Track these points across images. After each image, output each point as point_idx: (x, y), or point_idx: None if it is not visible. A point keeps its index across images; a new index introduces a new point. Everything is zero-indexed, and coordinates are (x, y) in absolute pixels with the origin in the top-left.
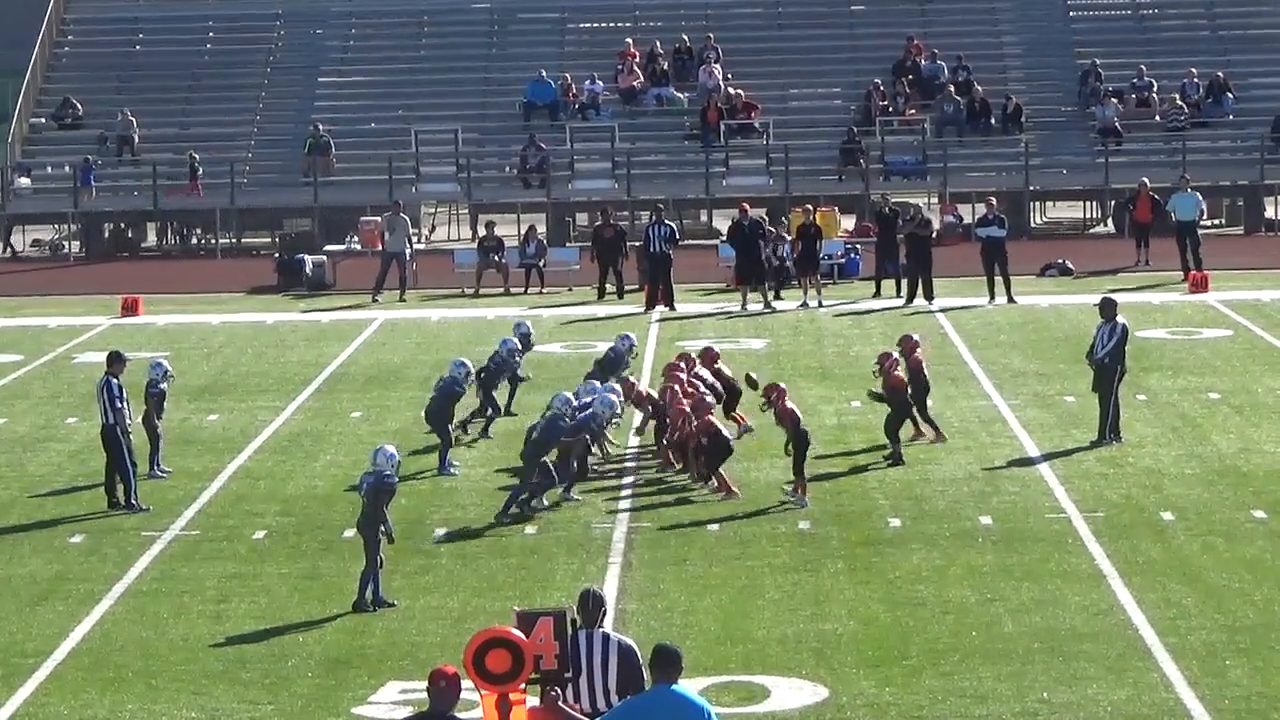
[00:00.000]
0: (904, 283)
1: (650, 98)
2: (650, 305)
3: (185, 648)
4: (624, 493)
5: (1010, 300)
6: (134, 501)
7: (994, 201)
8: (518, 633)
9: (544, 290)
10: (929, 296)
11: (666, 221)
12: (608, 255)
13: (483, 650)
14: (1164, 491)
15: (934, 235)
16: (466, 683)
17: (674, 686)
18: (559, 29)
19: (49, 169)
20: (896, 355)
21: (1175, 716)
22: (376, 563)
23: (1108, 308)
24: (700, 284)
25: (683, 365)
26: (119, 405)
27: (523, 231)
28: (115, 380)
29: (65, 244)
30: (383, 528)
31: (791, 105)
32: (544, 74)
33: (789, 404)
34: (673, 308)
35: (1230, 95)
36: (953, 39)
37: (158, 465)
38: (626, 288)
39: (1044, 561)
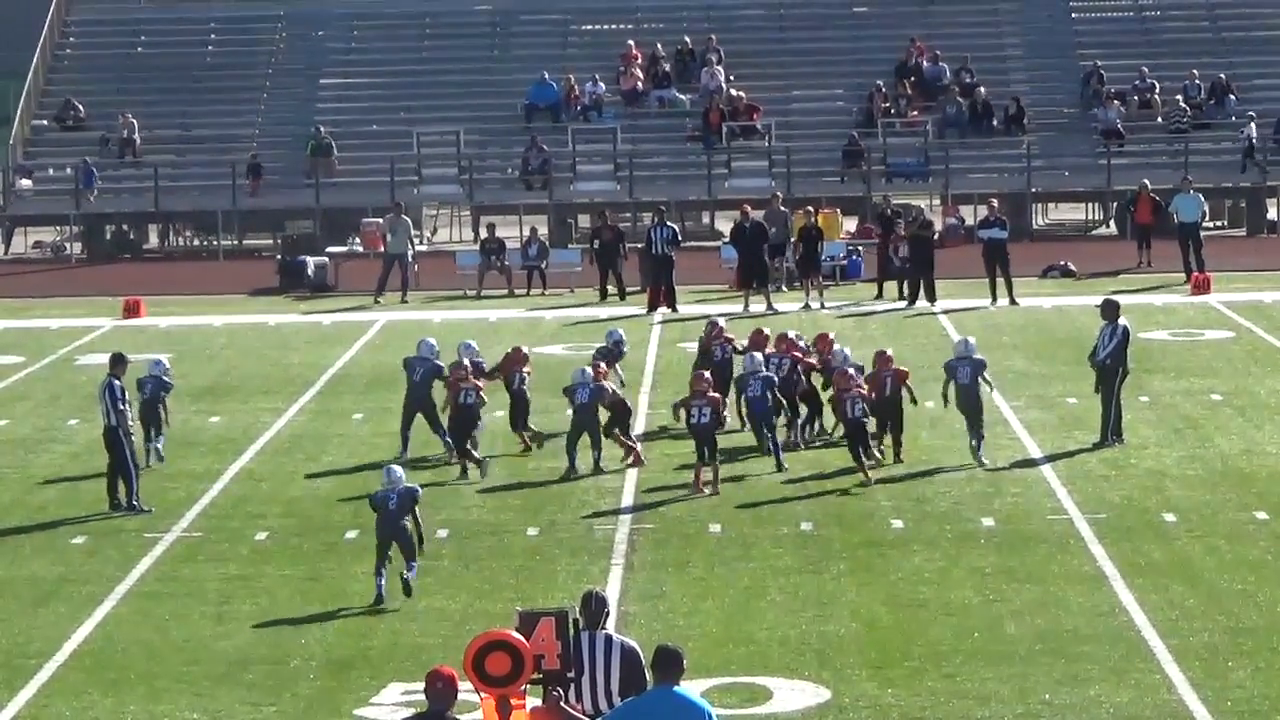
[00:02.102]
0: (906, 284)
1: (652, 99)
2: (652, 307)
3: (187, 649)
4: (626, 494)
5: (1012, 302)
6: (135, 502)
7: (995, 203)
8: (518, 635)
9: (546, 292)
10: (931, 298)
11: (668, 223)
12: (607, 257)
13: (482, 653)
14: (1166, 493)
15: (936, 236)
16: (465, 683)
17: (675, 688)
18: (561, 31)
19: (51, 170)
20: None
21: (1177, 718)
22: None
23: (1109, 309)
24: (702, 285)
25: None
26: (121, 407)
27: (524, 233)
28: (118, 382)
29: (67, 245)
30: (414, 526)
31: (794, 107)
32: (546, 75)
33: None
34: (675, 309)
35: (1232, 97)
36: (955, 40)
37: (158, 451)
38: (628, 289)
39: (1046, 563)
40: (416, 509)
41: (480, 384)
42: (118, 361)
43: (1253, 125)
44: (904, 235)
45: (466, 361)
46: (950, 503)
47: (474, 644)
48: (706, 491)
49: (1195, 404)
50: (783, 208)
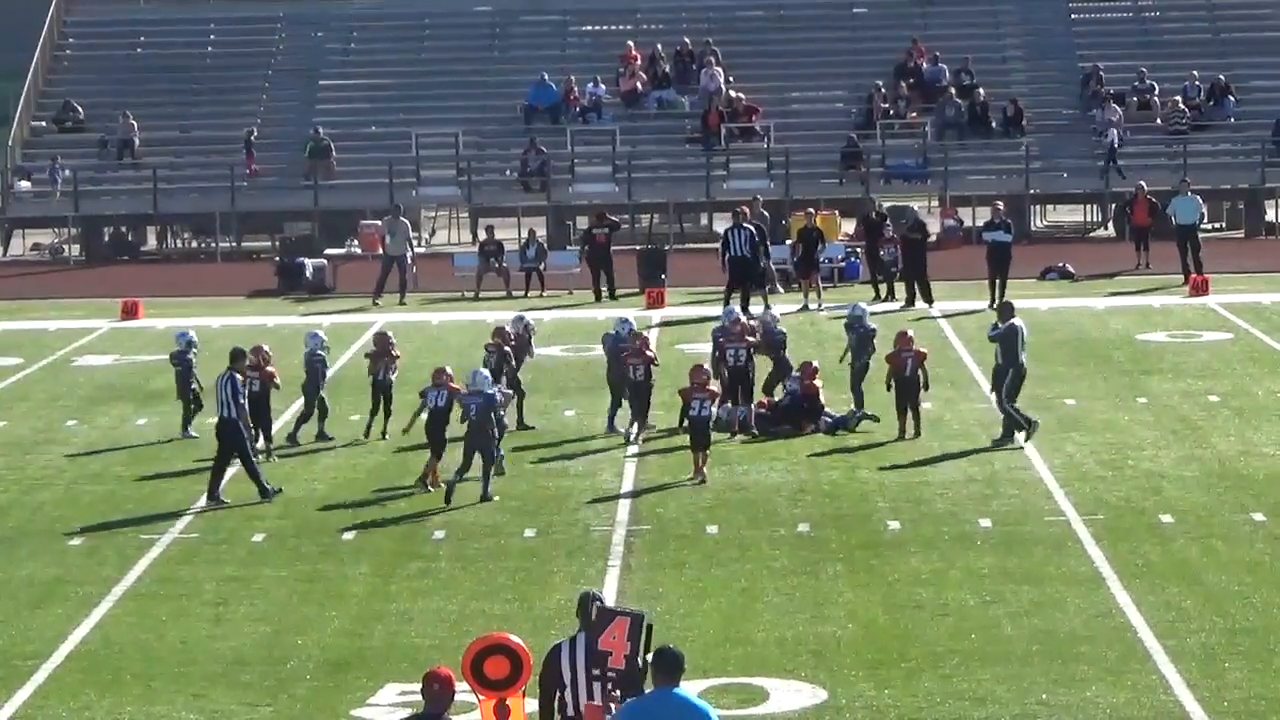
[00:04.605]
0: (899, 286)
1: (651, 101)
2: (651, 305)
3: (184, 650)
4: (623, 495)
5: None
6: (268, 487)
7: (1001, 206)
8: (516, 639)
9: (544, 294)
10: (927, 300)
11: (744, 225)
12: (598, 258)
13: (481, 657)
14: (1163, 494)
15: (928, 239)
16: (462, 683)
17: (676, 690)
18: (560, 32)
19: (49, 172)
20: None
21: (1174, 719)
22: (493, 461)
23: (1005, 311)
24: (701, 286)
25: None
26: (242, 401)
27: (523, 235)
28: (239, 377)
29: (65, 247)
30: (495, 432)
31: (792, 108)
32: (545, 77)
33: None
34: (746, 311)
35: (1231, 98)
36: (954, 42)
37: (189, 428)
38: (621, 291)
39: (1043, 564)
40: (494, 414)
41: (273, 372)
42: (238, 356)
43: (1113, 130)
44: (889, 238)
45: (266, 348)
46: (947, 504)
47: (473, 647)
48: (705, 472)
49: (1193, 405)
50: (763, 210)
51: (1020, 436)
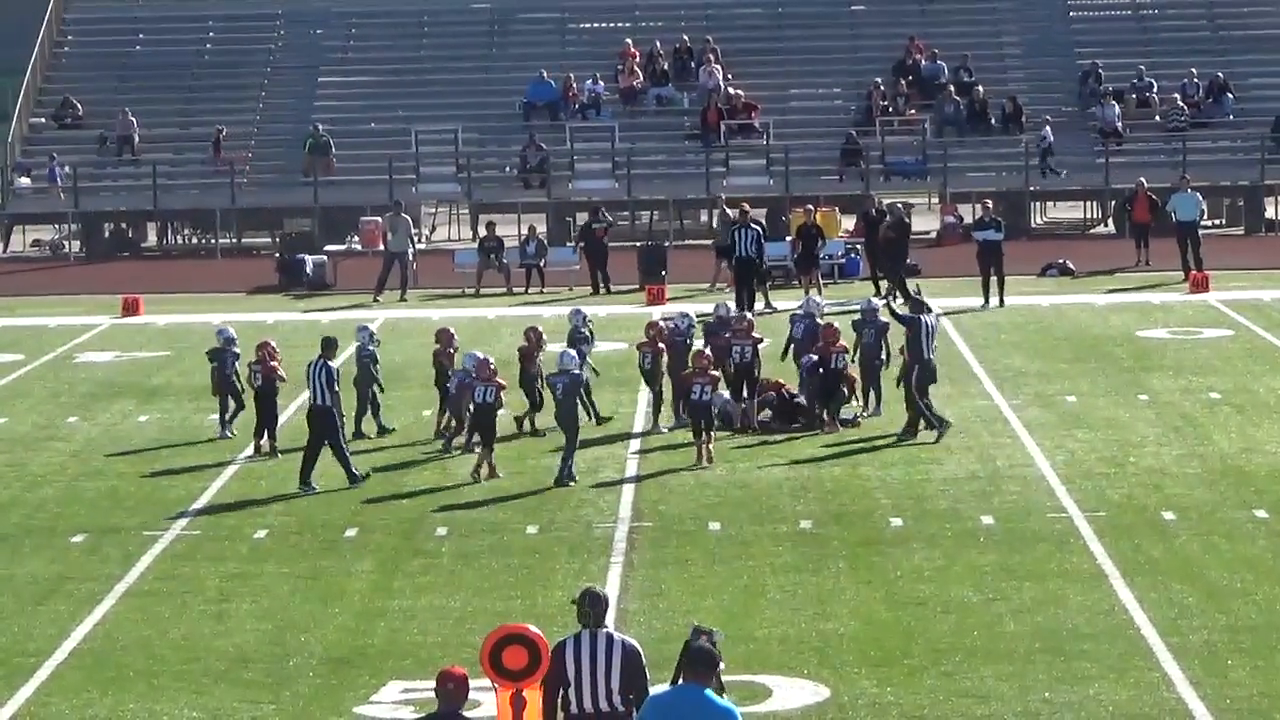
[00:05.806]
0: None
1: (650, 98)
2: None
3: (186, 647)
4: (625, 491)
5: (1000, 303)
6: (355, 472)
7: (990, 204)
8: (534, 629)
9: (544, 290)
10: (894, 298)
11: (752, 224)
12: (596, 253)
13: (499, 646)
14: (1165, 491)
15: (909, 237)
16: (473, 683)
17: (705, 690)
18: (559, 29)
19: (49, 169)
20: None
21: (1177, 716)
22: (576, 444)
23: (916, 303)
24: (700, 284)
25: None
26: (336, 389)
27: (523, 231)
28: (332, 364)
29: (65, 244)
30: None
31: (792, 105)
32: (544, 74)
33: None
34: (771, 307)
35: (1230, 95)
36: (953, 39)
37: (229, 427)
38: (621, 287)
39: (1046, 561)
40: (582, 393)
41: (276, 366)
42: (330, 345)
43: (1048, 129)
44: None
45: (273, 344)
46: (950, 501)
47: (491, 637)
48: (705, 464)
49: (1194, 402)
50: (730, 210)
51: (931, 435)
